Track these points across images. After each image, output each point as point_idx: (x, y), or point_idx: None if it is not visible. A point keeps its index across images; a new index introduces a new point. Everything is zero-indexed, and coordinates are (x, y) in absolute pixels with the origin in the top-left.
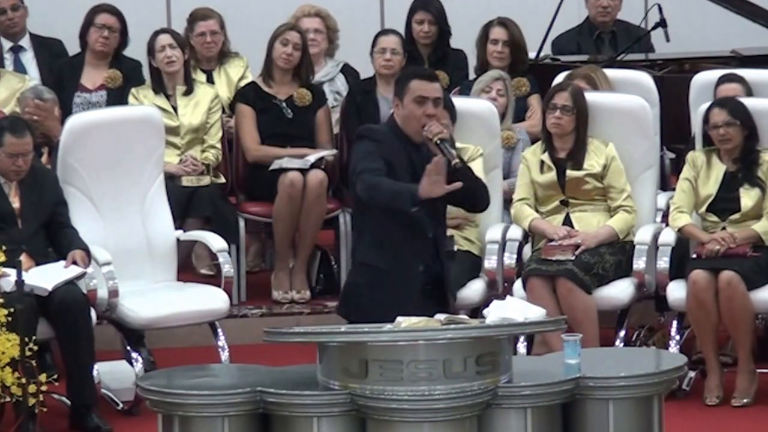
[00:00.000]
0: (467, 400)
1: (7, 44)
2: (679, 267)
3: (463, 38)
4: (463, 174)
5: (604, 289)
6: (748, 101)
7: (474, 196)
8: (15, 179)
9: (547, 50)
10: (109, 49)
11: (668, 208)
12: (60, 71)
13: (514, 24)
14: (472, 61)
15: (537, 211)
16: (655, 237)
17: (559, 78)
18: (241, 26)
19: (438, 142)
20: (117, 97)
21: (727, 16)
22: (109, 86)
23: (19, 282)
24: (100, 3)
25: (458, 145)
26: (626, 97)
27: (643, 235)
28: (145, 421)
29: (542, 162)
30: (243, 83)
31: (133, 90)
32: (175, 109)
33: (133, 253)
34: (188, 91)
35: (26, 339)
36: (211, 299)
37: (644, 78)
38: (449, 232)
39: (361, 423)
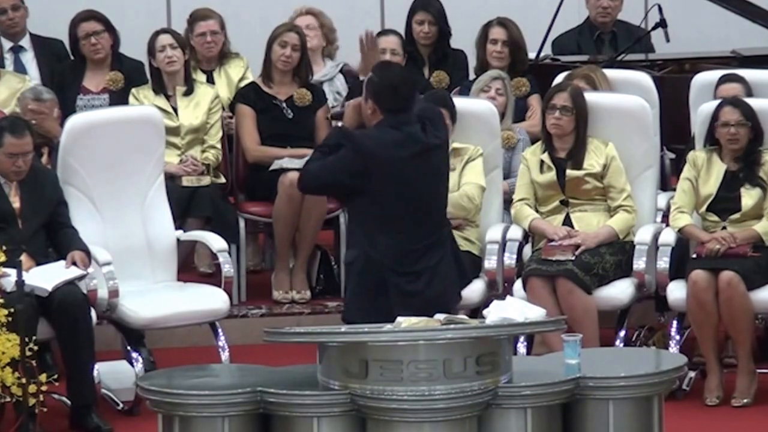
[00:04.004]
0: (467, 400)
1: (8, 44)
2: (679, 267)
3: (463, 38)
4: None
5: (604, 289)
6: (748, 101)
7: None
8: (15, 179)
9: (547, 50)
10: (105, 52)
11: (668, 208)
12: (62, 74)
13: (513, 24)
14: (472, 62)
15: (537, 211)
16: (655, 237)
17: (559, 78)
18: (242, 26)
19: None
20: (119, 99)
21: (727, 16)
22: (112, 88)
23: (20, 282)
24: (77, 13)
25: (458, 145)
26: (626, 98)
27: (643, 235)
28: (145, 421)
29: (542, 162)
30: (243, 84)
31: (133, 90)
32: (175, 109)
33: (133, 253)
34: (188, 92)
35: (26, 339)
36: (212, 299)
37: (644, 78)
38: None
39: (361, 423)
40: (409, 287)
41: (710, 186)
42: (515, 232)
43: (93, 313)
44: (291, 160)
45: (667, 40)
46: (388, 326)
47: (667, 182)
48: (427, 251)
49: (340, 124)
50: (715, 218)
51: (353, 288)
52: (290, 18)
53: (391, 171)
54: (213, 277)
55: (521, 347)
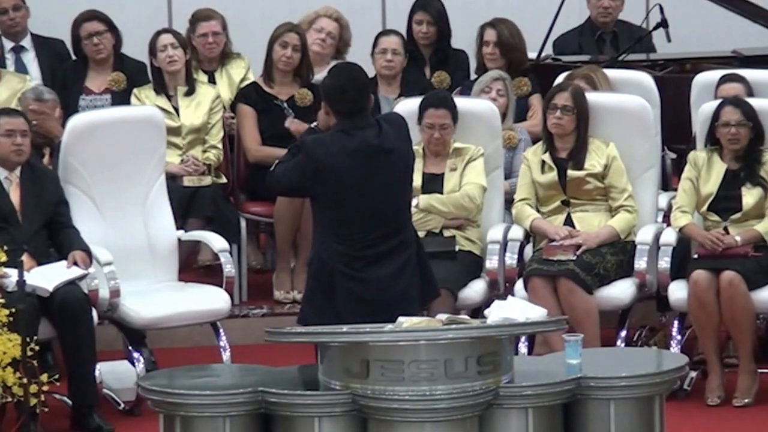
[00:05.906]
0: (469, 400)
1: (9, 44)
2: (681, 267)
3: (464, 38)
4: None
5: (605, 289)
6: (749, 101)
7: None
8: (17, 161)
9: (548, 50)
10: (107, 52)
11: (670, 208)
12: (64, 74)
13: (506, 25)
14: (473, 62)
15: (538, 211)
16: (657, 237)
17: (560, 78)
18: (243, 26)
19: None
20: (122, 100)
21: (727, 16)
22: (114, 89)
23: (21, 282)
24: (80, 13)
25: (459, 145)
26: (627, 98)
27: (644, 235)
28: (146, 421)
29: (543, 162)
30: (244, 84)
31: (135, 90)
32: (176, 109)
33: (134, 253)
34: (190, 92)
35: (28, 339)
36: (213, 299)
37: (645, 78)
38: (451, 232)
39: (363, 423)
40: (360, 293)
41: (711, 185)
42: (516, 232)
43: (94, 313)
44: None
45: (668, 40)
46: (389, 326)
47: (668, 182)
48: (382, 259)
49: (314, 124)
50: (716, 218)
51: (306, 290)
52: (316, 12)
53: (342, 178)
54: (214, 277)
55: (522, 347)
